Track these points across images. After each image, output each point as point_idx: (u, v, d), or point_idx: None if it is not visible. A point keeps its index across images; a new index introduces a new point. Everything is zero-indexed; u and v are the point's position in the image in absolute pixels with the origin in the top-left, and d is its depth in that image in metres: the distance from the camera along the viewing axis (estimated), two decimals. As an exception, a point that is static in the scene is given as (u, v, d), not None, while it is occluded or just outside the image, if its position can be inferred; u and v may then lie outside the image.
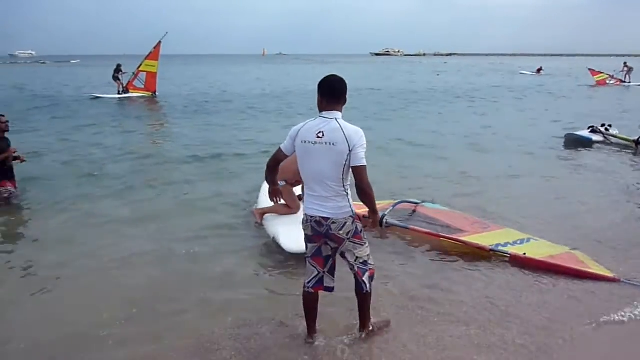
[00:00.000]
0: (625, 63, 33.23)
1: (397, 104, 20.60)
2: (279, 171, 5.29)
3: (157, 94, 22.27)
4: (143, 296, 4.18)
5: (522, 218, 6.04)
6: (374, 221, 3.31)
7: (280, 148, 3.27)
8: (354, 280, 3.33)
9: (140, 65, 21.79)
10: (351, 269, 3.30)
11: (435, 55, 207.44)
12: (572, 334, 3.57)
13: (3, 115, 6.56)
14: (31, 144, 10.30)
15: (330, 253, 3.27)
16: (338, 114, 3.11)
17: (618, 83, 31.70)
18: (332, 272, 3.32)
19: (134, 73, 21.93)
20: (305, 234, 3.27)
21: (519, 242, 5.07)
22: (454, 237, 5.15)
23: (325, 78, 3.20)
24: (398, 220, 5.58)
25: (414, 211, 6.01)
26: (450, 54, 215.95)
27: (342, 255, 3.26)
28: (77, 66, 76.42)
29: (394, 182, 7.68)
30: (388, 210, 5.62)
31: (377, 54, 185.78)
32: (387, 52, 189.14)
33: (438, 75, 45.35)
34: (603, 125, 11.54)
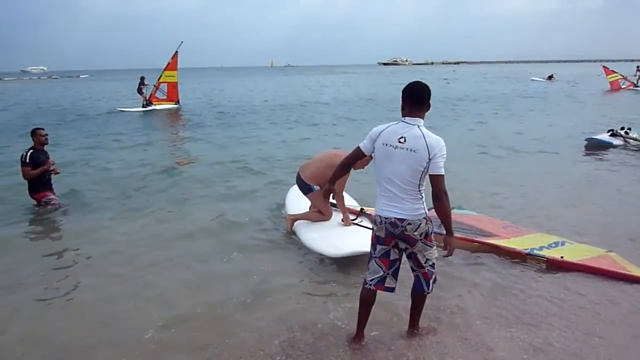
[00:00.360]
0: (638, 67, 33.12)
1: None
2: (313, 176, 5.30)
3: (180, 103, 22.87)
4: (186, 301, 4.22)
5: (553, 222, 6.00)
6: (451, 245, 3.22)
7: (359, 147, 3.34)
8: (411, 281, 3.41)
9: (160, 77, 22.18)
10: (416, 270, 3.34)
11: (443, 63, 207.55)
12: (612, 337, 3.54)
13: (43, 129, 6.98)
14: (66, 157, 10.42)
15: (397, 257, 3.31)
16: (420, 121, 3.15)
17: (631, 86, 31.46)
18: (395, 274, 3.33)
19: (154, 85, 22.26)
20: (377, 236, 3.28)
21: (554, 245, 5.02)
22: (489, 241, 5.12)
23: (409, 84, 3.24)
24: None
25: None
26: (458, 62, 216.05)
27: (411, 256, 3.29)
28: (88, 80, 77.31)
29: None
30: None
31: (384, 64, 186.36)
32: (395, 61, 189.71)
33: (448, 83, 45.31)
34: (622, 128, 11.50)
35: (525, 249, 4.89)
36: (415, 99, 3.18)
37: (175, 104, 22.69)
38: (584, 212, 6.52)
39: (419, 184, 3.15)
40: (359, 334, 3.48)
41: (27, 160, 6.69)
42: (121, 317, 4.00)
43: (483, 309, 3.94)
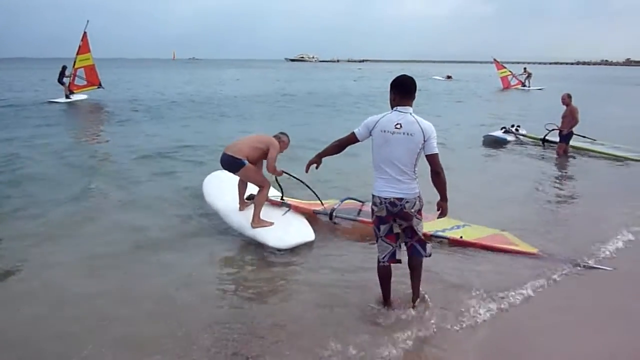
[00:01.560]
0: (525, 68, 36.33)
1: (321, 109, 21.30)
2: (243, 150, 5.47)
3: (103, 85, 22.02)
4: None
5: (456, 208, 6.66)
6: (444, 208, 3.73)
7: (354, 133, 3.76)
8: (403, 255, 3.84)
9: (75, 62, 21.00)
10: (411, 240, 3.80)
11: (348, 61, 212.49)
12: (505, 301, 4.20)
13: None
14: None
15: (399, 230, 3.76)
16: (410, 109, 3.64)
17: (519, 84, 34.27)
18: (400, 244, 3.83)
19: (70, 74, 21.05)
20: (378, 216, 3.72)
21: (455, 227, 5.69)
22: None
23: (398, 78, 3.71)
24: (346, 214, 6.01)
25: (360, 210, 6.22)
26: (363, 60, 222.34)
27: (406, 230, 3.76)
28: None
29: (342, 183, 8.11)
30: (337, 206, 6.06)
31: (292, 60, 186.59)
32: (302, 57, 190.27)
33: (355, 81, 46.54)
34: (513, 125, 12.91)
35: (430, 232, 5.34)
36: (406, 90, 3.66)
37: (99, 87, 21.88)
38: (484, 199, 7.45)
39: (415, 165, 3.61)
40: (386, 302, 3.97)
41: None
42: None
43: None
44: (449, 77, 49.53)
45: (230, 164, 5.52)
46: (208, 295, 4.38)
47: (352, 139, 3.80)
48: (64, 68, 21.18)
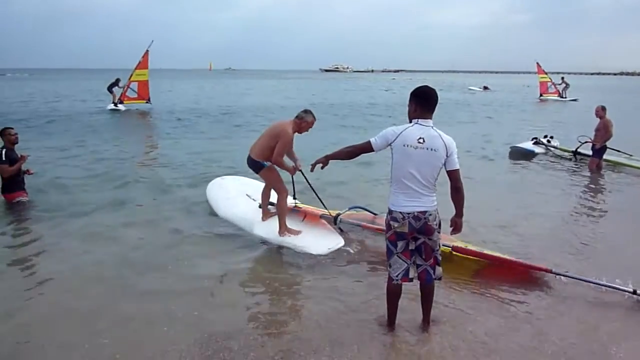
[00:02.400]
0: (562, 78, 35.30)
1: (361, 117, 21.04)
2: (262, 151, 5.38)
3: (151, 101, 23.05)
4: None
5: (473, 227, 6.15)
6: (459, 224, 3.63)
7: (370, 142, 3.61)
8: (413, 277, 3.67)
9: (131, 76, 22.33)
10: (422, 264, 3.63)
11: (383, 71, 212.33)
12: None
13: (12, 128, 6.95)
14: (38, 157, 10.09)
15: (414, 247, 3.61)
16: (431, 122, 3.48)
17: (556, 93, 33.64)
18: (414, 263, 3.66)
19: (123, 86, 22.43)
20: (397, 233, 3.55)
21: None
22: None
23: (420, 88, 3.55)
24: (353, 220, 5.88)
25: (372, 220, 6.04)
26: (397, 70, 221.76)
27: (420, 248, 3.59)
28: (30, 80, 70.40)
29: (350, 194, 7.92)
30: (343, 212, 5.93)
31: (326, 70, 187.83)
32: (337, 68, 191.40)
33: (386, 91, 46.30)
34: (546, 136, 12.35)
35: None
36: (428, 102, 3.51)
37: (147, 102, 22.94)
38: (506, 214, 7.02)
39: (436, 179, 3.51)
40: (391, 325, 3.81)
41: (4, 158, 6.64)
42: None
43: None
44: (485, 87, 48.87)
45: (253, 165, 5.58)
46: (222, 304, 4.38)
47: (367, 148, 3.65)
48: (118, 80, 22.69)
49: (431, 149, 3.42)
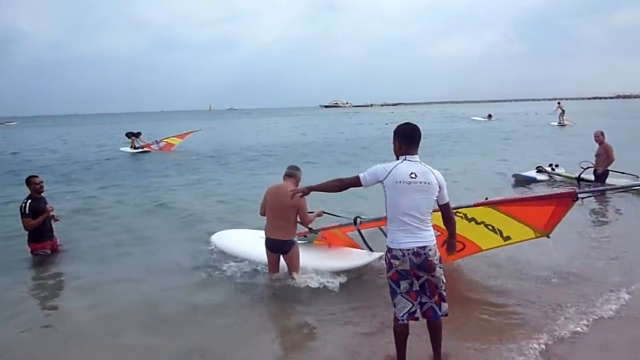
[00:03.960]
0: (558, 103, 35.98)
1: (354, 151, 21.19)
2: (285, 233, 5.36)
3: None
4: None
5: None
6: (452, 245, 3.75)
7: (359, 178, 3.62)
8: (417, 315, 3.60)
9: (167, 138, 24.94)
10: (427, 301, 3.59)
11: (382, 105, 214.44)
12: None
13: (37, 176, 6.92)
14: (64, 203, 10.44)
15: (418, 288, 3.57)
16: (418, 157, 3.55)
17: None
18: (420, 303, 3.60)
19: (156, 140, 24.75)
20: (399, 271, 3.50)
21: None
22: None
23: (402, 126, 3.62)
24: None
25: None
26: (396, 104, 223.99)
27: (424, 285, 3.56)
28: (19, 128, 71.74)
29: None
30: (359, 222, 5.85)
31: (326, 106, 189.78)
32: (336, 103, 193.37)
33: (386, 124, 46.55)
34: (550, 165, 12.43)
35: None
36: (412, 139, 3.59)
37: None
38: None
39: (430, 212, 3.54)
40: None
41: (27, 211, 6.62)
42: None
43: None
44: (489, 116, 48.41)
45: (283, 246, 5.41)
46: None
47: (355, 183, 3.65)
48: (139, 134, 24.88)
49: (426, 183, 3.46)
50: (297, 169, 5.55)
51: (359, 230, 5.87)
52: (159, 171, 16.96)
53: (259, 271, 5.89)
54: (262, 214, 5.52)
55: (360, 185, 3.62)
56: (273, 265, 5.57)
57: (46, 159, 22.83)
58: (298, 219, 5.46)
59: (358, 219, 5.78)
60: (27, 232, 6.77)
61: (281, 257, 5.53)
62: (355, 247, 6.16)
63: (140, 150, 23.81)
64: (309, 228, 5.91)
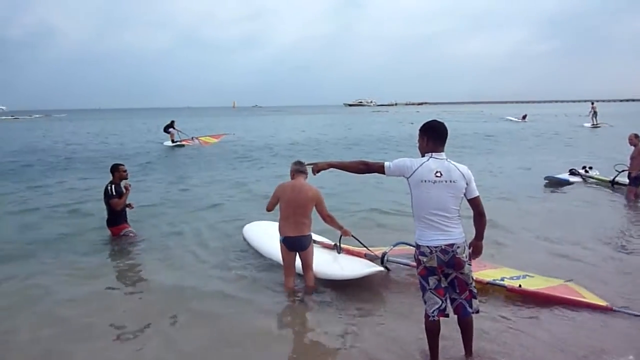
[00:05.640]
0: (592, 104, 36.09)
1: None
2: (303, 228, 5.21)
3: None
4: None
5: (515, 256, 6.31)
6: (479, 247, 3.72)
7: (384, 166, 3.61)
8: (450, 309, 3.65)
9: (202, 136, 25.96)
10: (457, 298, 3.63)
11: (406, 104, 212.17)
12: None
13: (123, 165, 7.49)
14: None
15: (446, 284, 3.60)
16: (444, 155, 3.59)
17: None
18: (449, 299, 3.64)
19: (192, 137, 25.22)
20: (427, 267, 3.53)
21: (515, 277, 5.26)
22: None
23: (430, 123, 3.68)
24: (400, 258, 5.82)
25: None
26: (421, 103, 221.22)
27: (453, 282, 3.59)
28: (68, 120, 73.49)
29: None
30: (389, 250, 5.87)
31: (350, 105, 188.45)
32: (360, 102, 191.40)
33: (412, 124, 46.23)
34: (584, 167, 12.36)
35: (486, 279, 5.10)
36: (439, 136, 3.59)
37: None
38: (546, 246, 6.97)
39: (458, 209, 3.54)
40: (435, 357, 3.72)
41: (114, 193, 7.14)
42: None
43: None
44: (524, 117, 47.15)
45: (304, 243, 5.23)
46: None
47: (379, 170, 3.65)
48: (173, 122, 25.39)
49: (450, 181, 3.45)
50: (303, 164, 5.33)
51: (386, 267, 5.74)
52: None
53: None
54: (269, 210, 5.41)
55: (384, 173, 3.62)
56: (290, 267, 5.37)
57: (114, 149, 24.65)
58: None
59: (386, 257, 5.73)
60: (106, 218, 7.37)
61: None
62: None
63: (178, 143, 24.44)
64: (334, 245, 6.04)
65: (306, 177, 5.30)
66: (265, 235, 6.72)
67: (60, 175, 14.98)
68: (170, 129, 25.14)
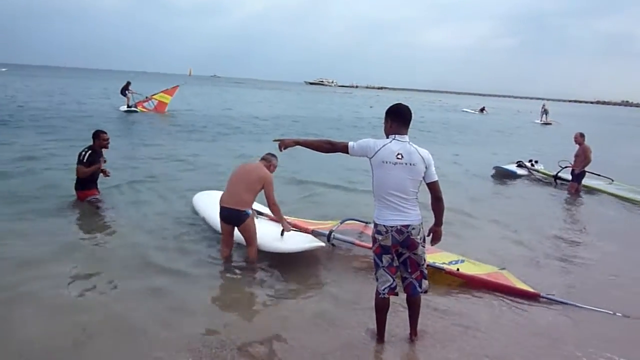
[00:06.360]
0: (543, 105, 38.42)
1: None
2: (240, 202, 5.14)
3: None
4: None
5: (455, 242, 6.39)
6: (438, 233, 3.80)
7: (348, 146, 3.67)
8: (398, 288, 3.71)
9: (155, 94, 24.60)
10: (408, 276, 3.72)
11: (367, 87, 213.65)
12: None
13: (106, 133, 7.15)
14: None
15: (398, 263, 3.69)
16: (407, 138, 3.61)
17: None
18: (399, 278, 3.74)
19: (147, 97, 24.23)
20: (382, 245, 3.60)
21: (453, 262, 5.42)
22: None
23: (395, 106, 3.68)
24: (346, 236, 5.85)
25: (362, 232, 6.24)
26: (381, 87, 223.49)
27: (406, 262, 3.68)
28: (11, 75, 67.54)
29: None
30: (335, 227, 5.89)
31: (311, 83, 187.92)
32: (322, 81, 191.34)
33: (371, 107, 46.53)
34: (530, 160, 12.81)
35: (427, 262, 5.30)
36: (403, 119, 3.64)
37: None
38: (486, 233, 7.30)
39: (417, 192, 3.62)
40: (381, 338, 3.84)
41: (85, 160, 6.88)
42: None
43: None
44: (482, 109, 47.34)
45: (235, 216, 5.16)
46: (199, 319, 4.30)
47: (343, 149, 3.71)
48: (129, 83, 24.34)
49: (410, 164, 3.52)
50: (274, 156, 5.43)
51: (332, 245, 5.80)
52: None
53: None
54: None
55: (347, 153, 3.69)
56: (226, 238, 5.36)
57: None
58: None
59: (332, 234, 5.72)
60: (75, 179, 7.07)
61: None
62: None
63: (132, 109, 23.27)
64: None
65: (269, 167, 5.36)
66: (213, 204, 6.59)
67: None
68: (127, 92, 23.97)
